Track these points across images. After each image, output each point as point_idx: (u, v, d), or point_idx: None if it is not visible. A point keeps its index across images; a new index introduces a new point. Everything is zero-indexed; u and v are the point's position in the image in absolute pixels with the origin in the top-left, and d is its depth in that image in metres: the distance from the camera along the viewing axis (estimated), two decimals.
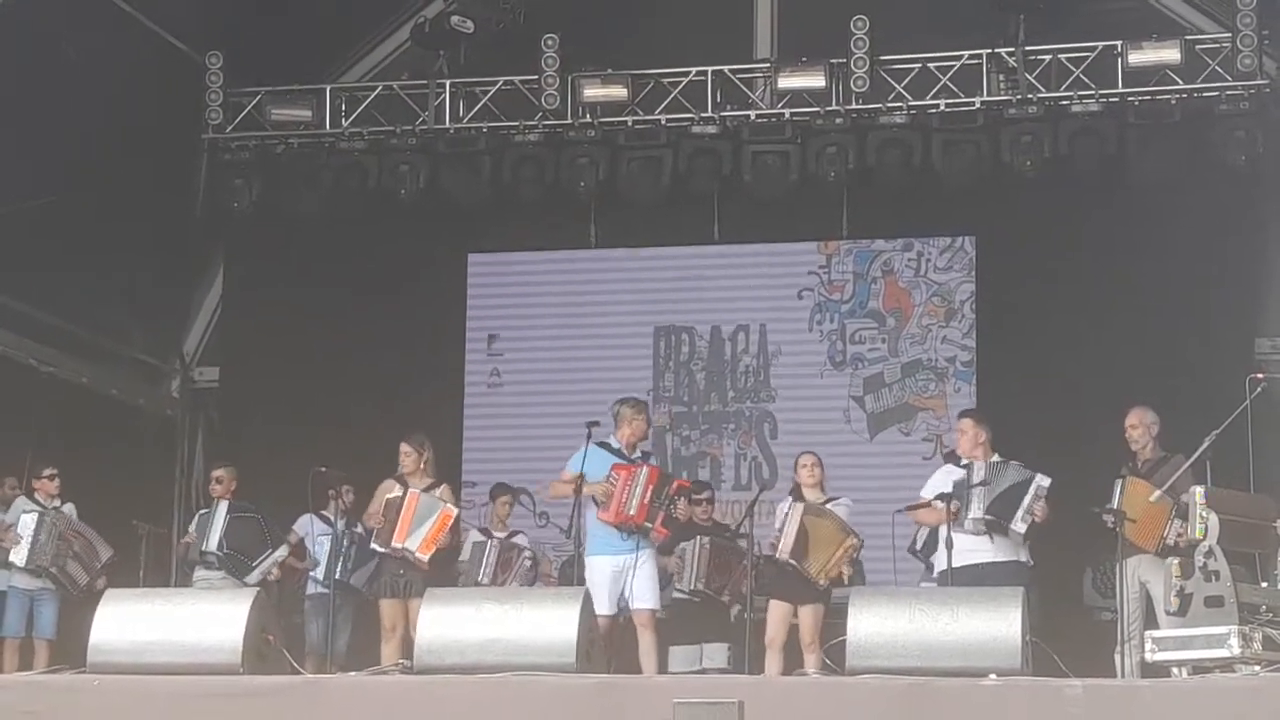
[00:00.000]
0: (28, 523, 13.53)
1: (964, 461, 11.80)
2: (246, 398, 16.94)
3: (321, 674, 11.88)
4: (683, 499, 12.48)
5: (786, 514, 12.15)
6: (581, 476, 11.84)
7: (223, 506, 13.64)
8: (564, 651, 10.00)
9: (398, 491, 12.29)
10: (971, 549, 11.58)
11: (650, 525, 11.81)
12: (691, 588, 13.50)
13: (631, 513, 11.80)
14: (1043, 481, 11.44)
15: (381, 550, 12.33)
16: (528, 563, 13.70)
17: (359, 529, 13.83)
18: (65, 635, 13.22)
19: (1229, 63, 15.05)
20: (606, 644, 11.46)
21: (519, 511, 15.03)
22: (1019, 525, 11.39)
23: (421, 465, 12.51)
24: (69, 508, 13.80)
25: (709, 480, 15.46)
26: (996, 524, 11.51)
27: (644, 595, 11.85)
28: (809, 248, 16.47)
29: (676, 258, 16.68)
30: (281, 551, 13.63)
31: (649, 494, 11.80)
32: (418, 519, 12.21)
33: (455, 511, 12.41)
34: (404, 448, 12.52)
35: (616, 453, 12.04)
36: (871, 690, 9.49)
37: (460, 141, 16.24)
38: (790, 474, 12.93)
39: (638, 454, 12.15)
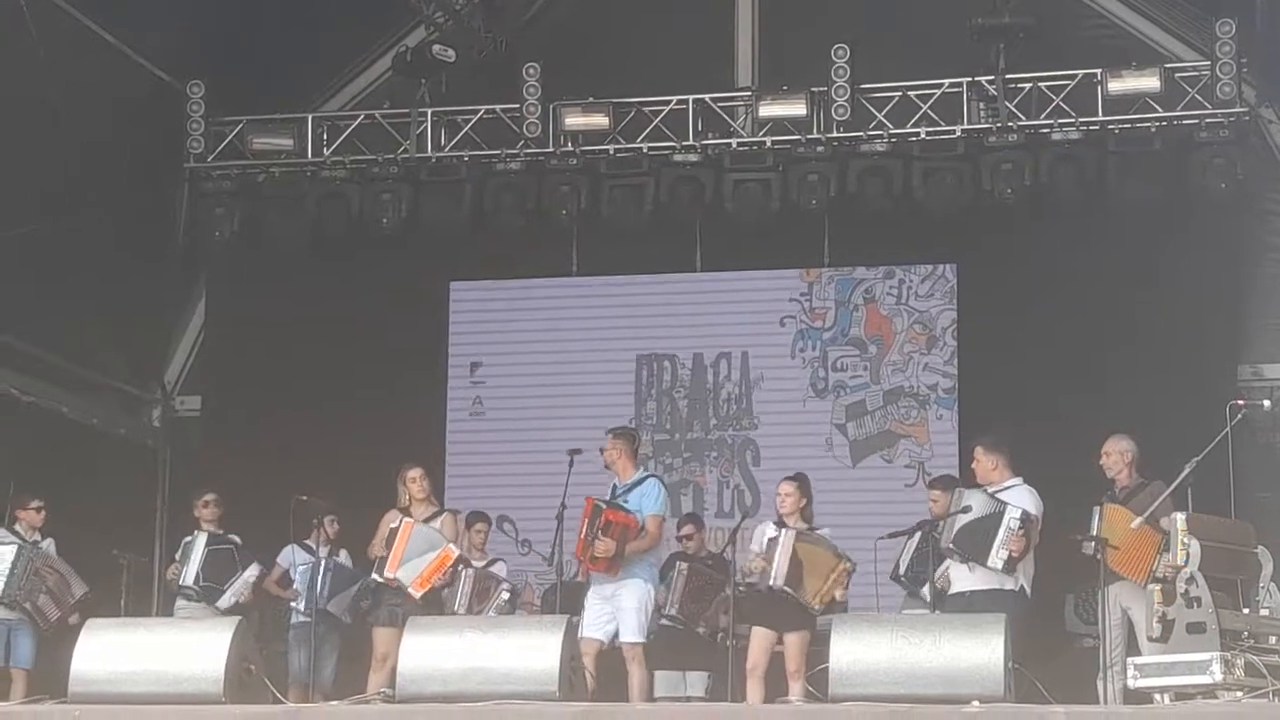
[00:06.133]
0: (5, 555, 13.33)
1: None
2: (228, 427, 16.90)
3: (304, 703, 11.86)
4: (604, 533, 11.72)
5: (778, 542, 12.04)
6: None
7: (202, 539, 13.64)
8: (546, 680, 10.00)
9: (396, 522, 12.31)
10: (958, 577, 11.57)
11: (581, 561, 11.78)
12: (668, 613, 13.48)
13: (576, 549, 11.83)
14: (1014, 514, 11.27)
15: (379, 580, 12.33)
16: (505, 595, 13.57)
17: (339, 557, 13.82)
18: (41, 665, 13.15)
19: (1209, 90, 15.11)
20: (595, 669, 11.47)
21: (501, 539, 15.01)
22: (995, 562, 11.30)
23: (428, 493, 12.56)
24: (49, 543, 13.60)
25: (694, 511, 15.42)
26: (966, 556, 11.48)
27: (625, 628, 11.81)
28: (791, 275, 16.49)
29: (658, 285, 16.68)
30: (250, 572, 13.59)
31: (583, 528, 11.80)
32: (412, 550, 12.22)
33: (456, 552, 12.38)
34: (414, 473, 12.53)
35: (612, 488, 12.07)
36: (854, 718, 9.50)
37: (442, 170, 16.25)
38: (773, 501, 12.89)
39: (634, 477, 12.08)
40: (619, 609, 11.79)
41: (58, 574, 13.49)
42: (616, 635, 11.82)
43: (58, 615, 13.36)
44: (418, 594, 12.09)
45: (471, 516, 14.47)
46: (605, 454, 12.09)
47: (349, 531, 13.62)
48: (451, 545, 12.35)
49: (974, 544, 11.36)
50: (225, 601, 13.34)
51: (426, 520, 12.40)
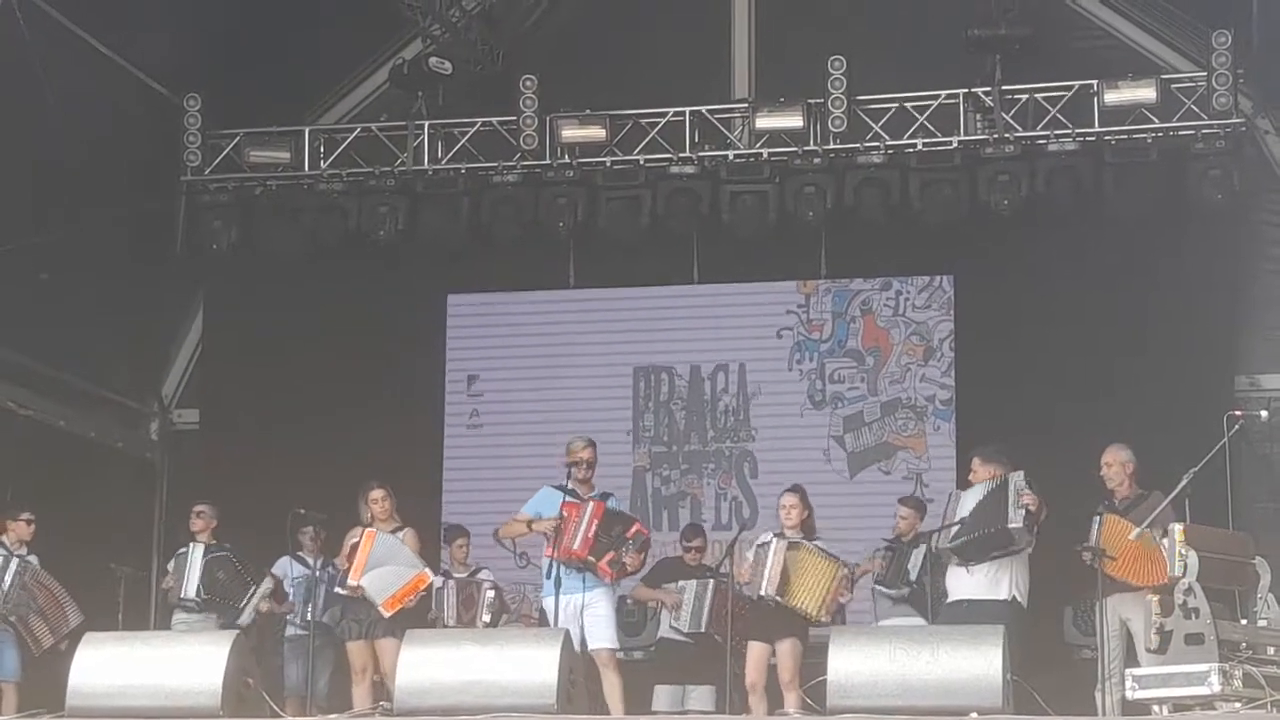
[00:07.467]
0: None
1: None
2: (226, 440, 16.88)
3: (301, 716, 11.85)
4: (637, 548, 11.84)
5: (768, 549, 12.03)
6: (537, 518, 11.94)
7: (199, 550, 13.63)
8: (544, 693, 9.98)
9: (357, 536, 12.32)
10: (954, 584, 11.56)
11: (594, 560, 11.74)
12: (694, 629, 13.30)
13: (575, 547, 11.74)
14: (1018, 476, 11.38)
15: (342, 591, 12.35)
16: (490, 593, 13.59)
17: (332, 569, 13.81)
18: (35, 678, 13.09)
19: (1205, 102, 15.13)
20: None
21: (501, 553, 14.98)
22: (1015, 519, 11.30)
23: (390, 513, 12.55)
24: (33, 560, 13.43)
25: (698, 523, 15.38)
26: (967, 549, 11.46)
27: (601, 635, 11.75)
28: (788, 287, 16.50)
29: (655, 297, 16.68)
30: (266, 585, 13.61)
31: (594, 529, 11.75)
32: (374, 559, 12.23)
33: (430, 578, 12.38)
34: (377, 493, 12.52)
35: (570, 492, 12.01)
36: None
37: (439, 182, 16.27)
38: (770, 513, 12.90)
39: (595, 493, 12.09)
40: (596, 616, 11.74)
41: (48, 592, 13.34)
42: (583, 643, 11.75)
43: (51, 643, 13.23)
44: (387, 614, 12.10)
45: (451, 531, 14.45)
46: (590, 465, 12.06)
47: (334, 542, 13.59)
48: (427, 570, 12.35)
49: (988, 517, 11.35)
50: (246, 618, 13.35)
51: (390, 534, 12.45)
